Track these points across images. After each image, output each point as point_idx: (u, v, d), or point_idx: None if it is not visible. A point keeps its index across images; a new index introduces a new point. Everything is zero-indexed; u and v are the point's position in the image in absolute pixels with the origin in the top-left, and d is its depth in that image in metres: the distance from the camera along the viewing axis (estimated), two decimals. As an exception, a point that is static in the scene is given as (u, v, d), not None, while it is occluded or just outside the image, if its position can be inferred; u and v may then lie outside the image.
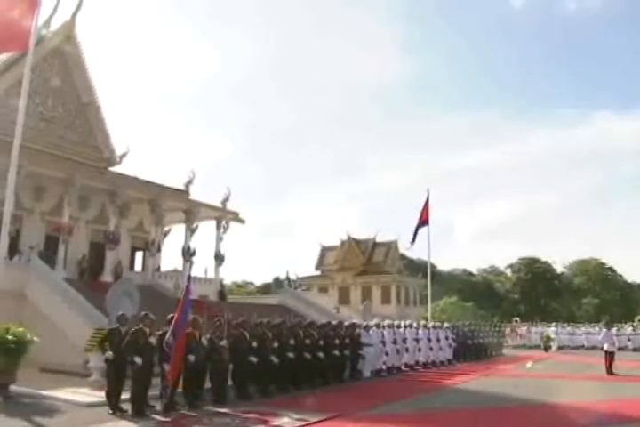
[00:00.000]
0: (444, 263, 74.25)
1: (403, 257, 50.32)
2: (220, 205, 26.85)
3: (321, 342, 11.92)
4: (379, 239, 47.00)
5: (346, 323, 14.08)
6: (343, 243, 47.41)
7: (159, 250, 25.24)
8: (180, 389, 8.67)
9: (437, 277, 51.26)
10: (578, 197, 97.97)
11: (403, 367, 15.62)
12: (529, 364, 18.42)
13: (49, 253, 20.07)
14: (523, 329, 32.85)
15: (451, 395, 11.21)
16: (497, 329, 25.93)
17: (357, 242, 47.17)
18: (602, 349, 16.22)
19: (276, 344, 10.65)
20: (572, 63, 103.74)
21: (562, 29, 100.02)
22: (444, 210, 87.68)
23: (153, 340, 8.48)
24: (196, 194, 26.39)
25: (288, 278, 33.18)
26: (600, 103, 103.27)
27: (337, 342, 12.51)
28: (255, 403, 9.17)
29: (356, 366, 13.28)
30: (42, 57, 22.25)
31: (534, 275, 67.48)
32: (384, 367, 14.40)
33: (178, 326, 8.33)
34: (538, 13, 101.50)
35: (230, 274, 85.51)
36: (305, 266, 76.76)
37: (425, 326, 17.67)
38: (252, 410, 8.43)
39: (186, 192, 26.16)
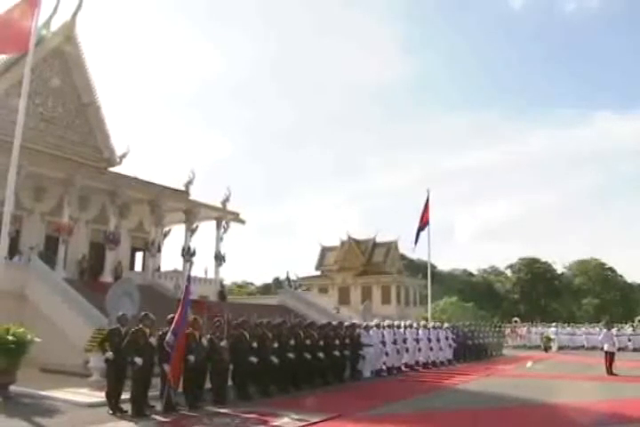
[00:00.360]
0: (444, 263, 74.48)
1: (403, 257, 50.35)
2: (220, 206, 26.86)
3: (321, 343, 11.91)
4: (379, 240, 47.09)
5: (346, 323, 14.07)
6: (343, 243, 47.44)
7: (159, 250, 25.26)
8: (180, 389, 8.67)
9: (437, 277, 51.25)
10: (578, 197, 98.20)
11: (403, 368, 15.62)
12: (529, 364, 18.42)
13: (49, 254, 20.09)
14: (523, 329, 32.84)
15: (451, 395, 11.21)
16: (497, 329, 25.98)
17: (357, 242, 47.20)
18: (602, 349, 16.22)
19: (276, 345, 10.64)
20: (572, 63, 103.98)
21: (562, 29, 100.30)
22: (444, 210, 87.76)
23: (153, 340, 8.47)
24: (196, 194, 26.48)
25: (288, 279, 33.19)
26: (600, 103, 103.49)
27: (337, 342, 12.51)
28: (255, 403, 9.17)
29: (357, 366, 13.27)
30: (42, 57, 22.30)
31: (534, 275, 67.47)
32: (384, 368, 14.39)
33: (178, 326, 8.34)
34: (538, 13, 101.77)
35: (230, 274, 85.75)
36: (305, 266, 76.97)
37: (425, 327, 17.66)
38: (252, 410, 8.42)
39: (186, 192, 26.17)
